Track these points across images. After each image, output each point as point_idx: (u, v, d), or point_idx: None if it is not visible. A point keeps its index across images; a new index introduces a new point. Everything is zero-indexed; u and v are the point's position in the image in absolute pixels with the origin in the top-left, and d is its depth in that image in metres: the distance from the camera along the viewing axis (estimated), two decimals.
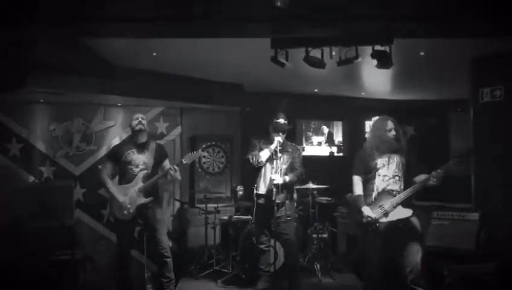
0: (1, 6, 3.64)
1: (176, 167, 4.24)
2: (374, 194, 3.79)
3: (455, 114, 7.74)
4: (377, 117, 4.07)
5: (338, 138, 7.98)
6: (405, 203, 3.73)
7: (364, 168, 3.87)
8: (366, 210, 3.74)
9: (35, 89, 5.30)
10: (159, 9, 3.98)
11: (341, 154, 7.92)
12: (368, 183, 3.85)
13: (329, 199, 6.09)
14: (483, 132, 5.15)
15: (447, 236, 4.65)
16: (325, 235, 5.84)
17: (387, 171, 3.79)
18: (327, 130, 7.93)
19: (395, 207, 3.71)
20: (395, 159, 3.82)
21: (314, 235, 5.70)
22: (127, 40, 4.64)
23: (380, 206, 3.72)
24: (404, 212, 3.72)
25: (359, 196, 3.84)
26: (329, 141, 7.91)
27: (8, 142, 5.75)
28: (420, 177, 3.74)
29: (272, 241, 4.55)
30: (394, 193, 3.74)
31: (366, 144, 4.02)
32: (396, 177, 3.79)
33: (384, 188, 3.77)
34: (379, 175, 3.80)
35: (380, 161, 3.82)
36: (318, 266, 5.42)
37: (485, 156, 4.97)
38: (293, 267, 4.65)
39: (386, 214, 3.70)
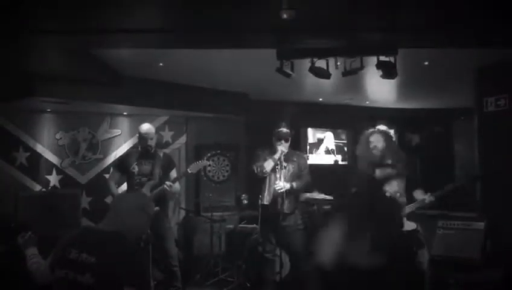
0: (10, 16, 3.69)
1: (170, 184, 4.24)
2: None
3: (460, 123, 7.74)
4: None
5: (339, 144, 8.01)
6: (409, 217, 3.82)
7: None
8: None
9: (42, 98, 5.36)
10: (165, 20, 4.04)
11: (345, 162, 7.93)
12: None
13: None
14: (487, 140, 5.16)
15: (453, 245, 4.62)
16: None
17: (389, 189, 3.87)
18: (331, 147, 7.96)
19: None
20: (395, 183, 3.91)
21: None
22: (133, 50, 4.70)
23: None
24: (408, 226, 3.81)
25: None
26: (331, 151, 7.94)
27: (15, 151, 5.80)
28: (417, 193, 3.87)
29: (278, 250, 4.55)
30: None
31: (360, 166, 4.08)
32: (398, 194, 3.88)
33: None
34: None
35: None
36: None
37: (490, 165, 4.98)
38: (300, 276, 4.64)
39: None
